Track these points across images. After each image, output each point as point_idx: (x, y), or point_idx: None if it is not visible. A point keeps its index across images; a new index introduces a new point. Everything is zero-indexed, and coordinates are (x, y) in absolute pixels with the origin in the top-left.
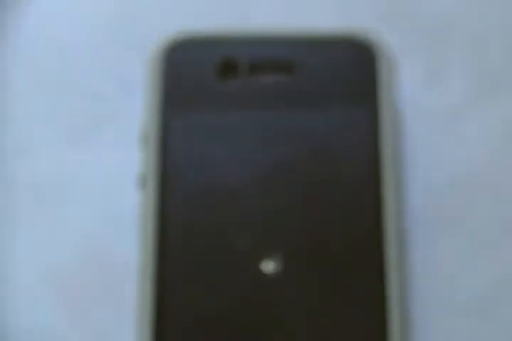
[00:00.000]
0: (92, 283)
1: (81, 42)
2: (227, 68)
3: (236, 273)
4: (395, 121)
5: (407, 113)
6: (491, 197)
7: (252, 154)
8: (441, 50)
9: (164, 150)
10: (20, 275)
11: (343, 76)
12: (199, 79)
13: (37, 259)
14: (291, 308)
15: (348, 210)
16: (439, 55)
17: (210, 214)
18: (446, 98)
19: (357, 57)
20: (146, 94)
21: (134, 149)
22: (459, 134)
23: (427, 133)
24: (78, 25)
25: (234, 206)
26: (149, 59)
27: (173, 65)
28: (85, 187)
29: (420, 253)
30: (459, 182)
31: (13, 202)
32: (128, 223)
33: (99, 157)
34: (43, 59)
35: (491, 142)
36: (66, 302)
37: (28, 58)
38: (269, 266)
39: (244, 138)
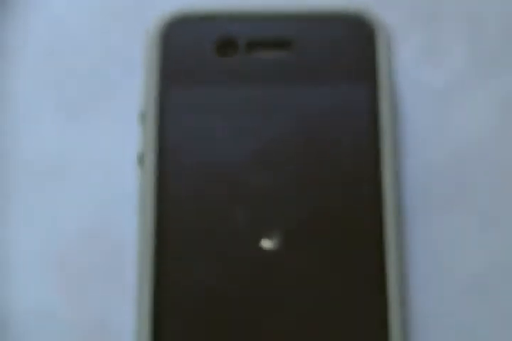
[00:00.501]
0: (92, 262)
1: (80, 19)
2: (226, 45)
3: (235, 249)
4: (393, 97)
5: (405, 90)
6: (490, 173)
7: (251, 130)
8: (439, 27)
9: (162, 127)
10: (20, 254)
11: (342, 53)
12: (197, 56)
13: (36, 238)
14: (291, 285)
15: (347, 187)
16: (436, 31)
17: (210, 190)
18: (444, 74)
19: (356, 34)
20: (145, 71)
21: (133, 126)
22: (458, 110)
23: (425, 109)
24: (77, 3)
25: (233, 182)
26: (148, 36)
27: (171, 42)
28: (84, 165)
29: (420, 229)
30: (458, 158)
31: (12, 179)
32: (127, 201)
33: (97, 134)
34: (41, 36)
35: (490, 118)
36: (65, 281)
37: (26, 35)
38: (268, 243)
39: (242, 115)
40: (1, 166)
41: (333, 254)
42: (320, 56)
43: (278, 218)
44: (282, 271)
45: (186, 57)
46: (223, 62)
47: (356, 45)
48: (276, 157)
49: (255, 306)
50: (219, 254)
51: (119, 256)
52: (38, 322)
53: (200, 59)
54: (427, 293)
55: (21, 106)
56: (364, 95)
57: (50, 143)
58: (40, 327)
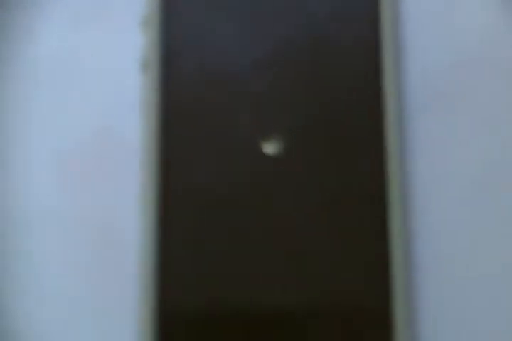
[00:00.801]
0: (96, 162)
1: None
2: None
3: (237, 155)
4: (395, 4)
5: None
6: (491, 79)
7: (255, 35)
8: None
9: (165, 31)
10: (25, 153)
11: None
12: None
13: (42, 138)
14: (294, 191)
15: (348, 94)
16: None
17: (213, 94)
18: None
19: None
20: None
21: (136, 34)
22: (460, 10)
23: (425, 14)
24: None
25: (237, 86)
26: None
27: None
28: (90, 69)
29: (421, 135)
30: (459, 63)
31: (20, 82)
32: (132, 103)
33: (100, 41)
34: None
35: (491, 25)
36: (70, 181)
37: None
38: (270, 148)
39: (246, 19)
40: (6, 73)
41: (334, 159)
42: None
43: (280, 123)
44: (284, 177)
45: None
46: None
47: None
48: (279, 62)
49: (258, 210)
50: (221, 160)
51: (125, 158)
52: (42, 219)
53: None
54: (429, 192)
55: (28, 14)
56: (365, 2)
57: (55, 49)
58: (44, 225)
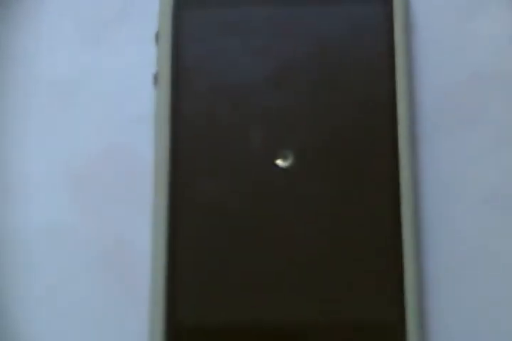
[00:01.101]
0: (107, 181)
1: None
2: None
3: (250, 168)
4: (407, 18)
5: (419, 10)
6: (505, 93)
7: (266, 51)
8: None
9: (177, 46)
10: (36, 172)
11: None
12: None
13: (52, 157)
14: (305, 203)
15: (360, 106)
16: None
17: (224, 109)
18: None
19: None
20: None
21: (150, 47)
22: (472, 30)
23: (439, 30)
24: None
25: (248, 102)
26: None
27: None
28: (103, 85)
29: (433, 148)
30: (472, 79)
31: (30, 98)
32: (145, 120)
33: (115, 55)
34: None
35: (504, 37)
36: (81, 200)
37: None
38: (282, 162)
39: (257, 35)
40: (19, 86)
41: (345, 173)
42: None
43: (292, 138)
44: (296, 190)
45: None
46: None
47: None
48: (290, 77)
49: (269, 222)
50: (233, 172)
51: (136, 174)
52: (54, 240)
53: None
54: (442, 208)
55: (39, 28)
56: (378, 15)
57: (68, 64)
58: (55, 245)
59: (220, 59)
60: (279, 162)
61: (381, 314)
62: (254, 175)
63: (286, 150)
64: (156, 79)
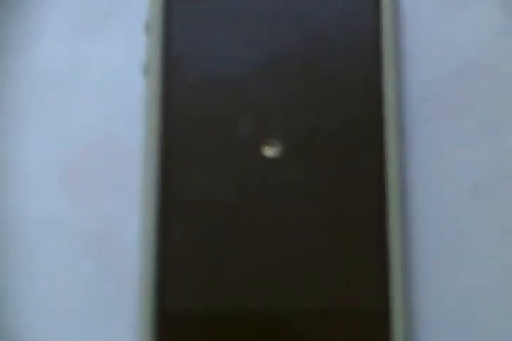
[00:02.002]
0: (98, 171)
1: None
2: None
3: (240, 158)
4: (396, 9)
5: (408, 1)
6: (492, 84)
7: (256, 41)
8: None
9: (167, 36)
10: (28, 163)
11: None
12: None
13: (46, 149)
14: (292, 193)
15: (348, 97)
16: None
17: (214, 98)
18: None
19: None
20: None
21: (139, 37)
22: (460, 21)
23: (428, 21)
24: None
25: (237, 91)
26: None
27: None
28: (92, 76)
29: (420, 138)
30: (459, 70)
31: (19, 90)
32: (134, 111)
33: (105, 47)
34: None
35: (492, 29)
36: (72, 191)
37: None
38: (271, 152)
39: (247, 25)
40: (11, 80)
41: (333, 163)
42: None
43: (281, 128)
44: (284, 180)
45: None
46: None
47: None
48: (280, 67)
49: (258, 212)
50: (222, 163)
51: (124, 166)
52: (43, 230)
53: None
54: (428, 199)
55: (29, 21)
56: (366, 5)
57: (59, 57)
58: (44, 236)
59: (209, 49)
60: (268, 152)
61: (367, 303)
62: (243, 165)
63: (274, 140)
64: (145, 69)
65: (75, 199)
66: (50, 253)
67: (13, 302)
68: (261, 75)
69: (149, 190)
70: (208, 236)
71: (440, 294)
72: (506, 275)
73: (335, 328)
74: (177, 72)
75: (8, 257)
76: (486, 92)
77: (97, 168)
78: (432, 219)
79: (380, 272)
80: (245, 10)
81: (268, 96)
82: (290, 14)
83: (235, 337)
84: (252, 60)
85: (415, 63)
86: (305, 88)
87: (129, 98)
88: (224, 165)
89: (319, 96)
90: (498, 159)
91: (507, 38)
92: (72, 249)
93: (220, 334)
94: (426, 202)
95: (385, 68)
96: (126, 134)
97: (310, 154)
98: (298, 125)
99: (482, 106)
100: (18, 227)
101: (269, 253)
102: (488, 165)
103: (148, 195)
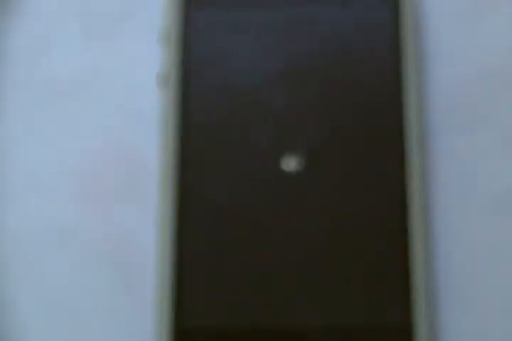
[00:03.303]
0: (115, 181)
1: None
2: None
3: (257, 170)
4: (417, 17)
5: (430, 9)
6: None
7: (274, 51)
8: None
9: (185, 48)
10: (42, 171)
11: None
12: None
13: (59, 157)
14: (312, 206)
15: (370, 109)
16: None
17: (232, 111)
18: None
19: None
20: None
21: (153, 47)
22: (482, 29)
23: (449, 28)
24: None
25: (255, 103)
26: None
27: None
28: (107, 84)
29: (442, 148)
30: (483, 78)
31: (36, 97)
32: (150, 120)
33: (121, 53)
34: None
35: None
36: (87, 199)
37: None
38: (290, 164)
39: (266, 36)
40: (26, 83)
41: (354, 175)
42: None
43: (301, 140)
44: (303, 193)
45: None
46: None
47: None
48: (299, 79)
49: (275, 226)
50: (239, 174)
51: (143, 175)
52: (57, 239)
53: None
54: (451, 212)
55: (46, 24)
56: (387, 10)
57: (73, 63)
58: (59, 245)
59: (227, 59)
60: (288, 163)
61: (390, 317)
62: (262, 177)
63: (294, 150)
64: (161, 79)
65: (89, 208)
66: (62, 262)
67: (24, 313)
68: (279, 85)
69: (166, 201)
70: (226, 248)
71: (464, 308)
72: None
73: None
74: (194, 82)
75: (19, 267)
76: (509, 102)
77: (112, 177)
78: (457, 231)
79: (403, 286)
80: (263, 19)
81: (287, 106)
82: (309, 23)
83: None
84: (271, 70)
85: (437, 73)
86: (325, 98)
87: (144, 106)
88: (242, 177)
89: (340, 106)
90: None
91: None
92: (85, 259)
93: None
94: (448, 214)
95: (406, 78)
96: (141, 143)
97: (330, 166)
98: (318, 136)
99: (505, 115)
100: (30, 237)
101: (289, 268)
102: (508, 178)
103: (165, 206)
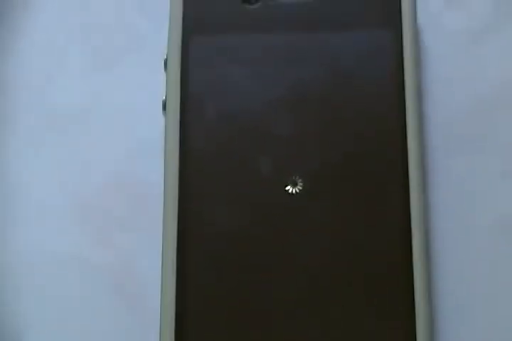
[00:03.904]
0: (118, 210)
1: None
2: None
3: (260, 195)
4: (417, 42)
5: (428, 34)
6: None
7: (275, 77)
8: None
9: (186, 74)
10: (45, 199)
11: None
12: (221, 2)
13: (62, 186)
14: (316, 228)
15: (371, 133)
16: None
17: (233, 137)
18: (468, 18)
19: None
20: (169, 19)
21: (160, 75)
22: (481, 55)
23: (448, 54)
24: None
25: (257, 129)
26: None
27: None
28: (111, 113)
29: (442, 171)
30: (480, 106)
31: (38, 126)
32: (155, 148)
33: (124, 83)
34: None
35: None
36: (92, 227)
37: None
38: (293, 188)
39: (266, 62)
40: (28, 113)
41: (356, 199)
42: (343, 1)
43: (302, 164)
44: (307, 217)
45: (210, 3)
46: (247, 8)
47: None
48: (300, 104)
49: (280, 248)
50: (243, 199)
51: (145, 203)
52: (64, 270)
53: (223, 5)
54: (451, 236)
55: (47, 55)
56: (388, 40)
57: (77, 91)
58: (66, 275)
59: (228, 86)
60: (290, 189)
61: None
62: (265, 202)
63: (296, 176)
64: (165, 106)
65: (95, 238)
66: (69, 292)
67: (28, 334)
68: (281, 112)
69: (169, 227)
70: (230, 273)
71: (467, 333)
72: None
73: None
74: (196, 109)
75: (26, 292)
76: (509, 127)
77: (117, 205)
78: (456, 257)
79: (405, 310)
80: (264, 46)
81: (289, 133)
82: (311, 50)
83: None
84: (272, 97)
85: (437, 97)
86: (326, 124)
87: (149, 134)
88: (245, 202)
89: (341, 132)
90: None
91: None
92: (90, 286)
93: None
94: (450, 237)
95: (407, 103)
96: (146, 171)
97: (332, 191)
98: (320, 162)
99: (504, 141)
100: (36, 266)
101: (294, 292)
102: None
103: (169, 232)
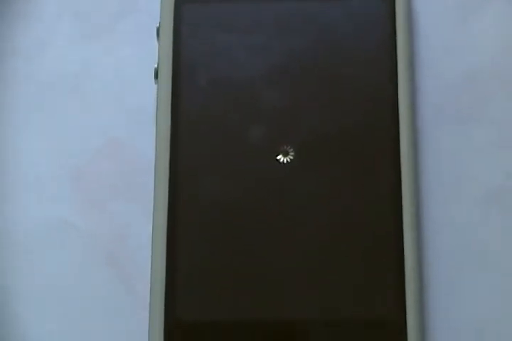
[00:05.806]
0: (110, 177)
1: None
2: None
3: (251, 163)
4: (409, 15)
5: (420, 8)
6: (505, 91)
7: (268, 46)
8: None
9: (178, 41)
10: (38, 169)
11: None
12: None
13: (57, 153)
14: (307, 198)
15: (362, 103)
16: None
17: (225, 106)
18: None
19: None
20: None
21: (152, 42)
22: (473, 28)
23: (440, 27)
24: None
25: (249, 98)
26: None
27: None
28: (103, 80)
29: (434, 148)
30: (473, 77)
31: (29, 94)
32: (146, 116)
33: (115, 49)
34: None
35: (504, 36)
36: (84, 195)
37: None
38: (285, 157)
39: (259, 30)
40: (20, 82)
41: (346, 169)
42: None
43: (293, 133)
44: (297, 187)
45: None
46: None
47: None
48: (293, 72)
49: (270, 217)
50: (233, 168)
51: (138, 171)
52: (54, 236)
53: None
54: (443, 206)
55: (39, 27)
56: (381, 11)
57: (68, 59)
58: (56, 242)
59: (220, 54)
60: (281, 158)
61: (382, 313)
62: (256, 170)
63: (286, 145)
64: (157, 73)
65: (85, 204)
66: (59, 259)
67: (22, 309)
68: (272, 80)
69: (161, 195)
70: (220, 242)
71: (456, 303)
72: None
73: (349, 339)
74: (188, 77)
75: (17, 262)
76: (501, 98)
77: (108, 171)
78: (447, 227)
79: (396, 281)
80: (257, 13)
81: (280, 101)
82: (303, 18)
83: None
84: (263, 65)
85: (429, 69)
86: (317, 93)
87: (141, 102)
88: (236, 170)
89: (332, 101)
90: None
91: None
92: (83, 254)
93: None
94: (441, 209)
95: (399, 74)
96: (136, 137)
97: (322, 160)
98: (310, 131)
99: (496, 112)
100: (26, 233)
101: (284, 262)
102: (502, 171)
103: (160, 200)
